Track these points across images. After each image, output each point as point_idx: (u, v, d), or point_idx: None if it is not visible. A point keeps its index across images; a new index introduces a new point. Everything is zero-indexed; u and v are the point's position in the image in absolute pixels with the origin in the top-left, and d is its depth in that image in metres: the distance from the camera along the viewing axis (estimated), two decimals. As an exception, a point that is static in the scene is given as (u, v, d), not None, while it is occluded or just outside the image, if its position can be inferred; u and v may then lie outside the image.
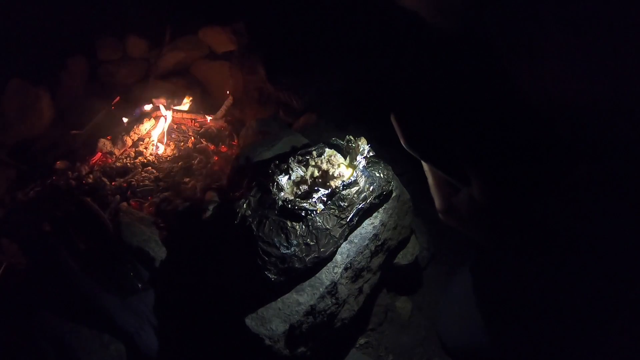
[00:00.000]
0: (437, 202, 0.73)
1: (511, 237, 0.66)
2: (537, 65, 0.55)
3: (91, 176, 1.67)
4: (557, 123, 0.56)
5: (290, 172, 1.06)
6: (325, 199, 0.99)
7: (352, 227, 1.05)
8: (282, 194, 1.01)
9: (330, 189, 1.01)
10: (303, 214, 0.96)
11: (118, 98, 2.03)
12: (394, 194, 1.14)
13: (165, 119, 1.91)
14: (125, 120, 1.87)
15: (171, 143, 1.84)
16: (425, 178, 0.85)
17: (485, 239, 0.71)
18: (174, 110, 1.95)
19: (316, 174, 1.06)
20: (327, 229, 0.97)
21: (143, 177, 1.65)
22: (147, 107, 1.92)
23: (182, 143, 1.84)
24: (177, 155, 1.77)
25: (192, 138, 1.86)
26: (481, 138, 0.62)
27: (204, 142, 1.83)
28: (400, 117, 0.65)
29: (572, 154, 0.57)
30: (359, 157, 1.08)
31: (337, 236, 0.99)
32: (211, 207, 1.18)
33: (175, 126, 1.93)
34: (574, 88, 0.54)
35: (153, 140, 1.84)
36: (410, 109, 0.67)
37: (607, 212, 0.59)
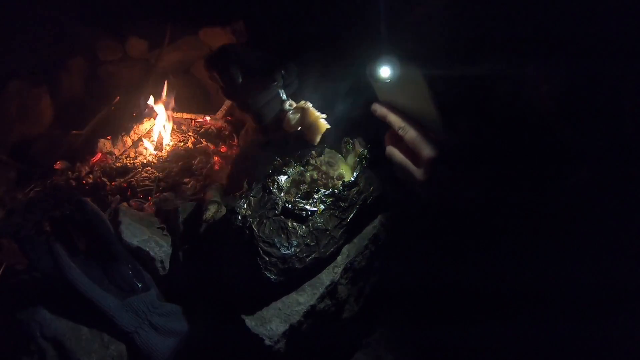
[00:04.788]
0: (430, 150, 0.69)
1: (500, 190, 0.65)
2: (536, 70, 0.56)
3: (91, 176, 1.67)
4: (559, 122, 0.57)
5: (290, 172, 1.07)
6: (325, 199, 0.99)
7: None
8: (282, 194, 1.01)
9: (330, 190, 1.01)
10: (304, 215, 0.96)
11: (118, 98, 2.03)
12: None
13: (166, 118, 1.91)
14: (139, 118, 1.87)
15: (171, 143, 1.84)
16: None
17: (474, 190, 0.69)
18: (173, 111, 1.95)
19: (316, 174, 1.06)
20: (327, 229, 0.97)
21: (143, 177, 1.65)
22: (148, 107, 1.92)
23: (182, 143, 1.84)
24: (177, 155, 1.77)
25: (192, 138, 1.86)
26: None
27: (204, 142, 1.83)
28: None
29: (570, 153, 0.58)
30: (358, 158, 1.08)
31: (338, 237, 0.99)
32: (211, 207, 1.18)
33: (175, 126, 1.93)
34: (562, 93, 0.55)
35: (152, 140, 1.84)
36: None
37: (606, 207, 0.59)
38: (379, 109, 0.78)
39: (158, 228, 1.25)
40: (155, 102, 1.89)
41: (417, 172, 0.74)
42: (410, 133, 0.74)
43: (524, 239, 0.71)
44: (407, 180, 0.79)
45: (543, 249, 0.72)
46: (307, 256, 0.95)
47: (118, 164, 1.73)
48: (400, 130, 0.75)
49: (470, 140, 0.64)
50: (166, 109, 1.89)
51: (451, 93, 0.68)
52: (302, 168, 1.07)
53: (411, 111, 0.76)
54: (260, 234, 0.94)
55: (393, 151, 0.79)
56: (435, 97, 0.69)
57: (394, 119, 0.76)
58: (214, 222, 1.14)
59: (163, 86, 1.93)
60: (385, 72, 0.76)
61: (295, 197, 1.01)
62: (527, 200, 0.66)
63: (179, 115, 1.97)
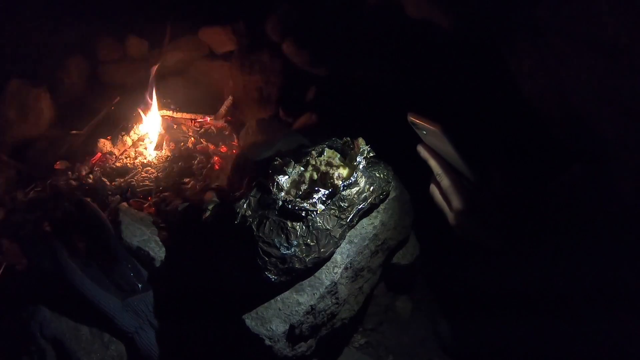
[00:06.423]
0: (459, 202, 0.74)
1: (528, 231, 0.68)
2: (538, 61, 0.56)
3: (91, 176, 1.67)
4: (555, 120, 0.57)
5: (290, 172, 1.07)
6: (325, 199, 0.99)
7: (353, 227, 1.05)
8: (282, 194, 1.01)
9: (330, 190, 1.01)
10: (303, 215, 0.96)
11: (118, 98, 2.03)
12: (394, 194, 1.14)
13: (164, 119, 1.91)
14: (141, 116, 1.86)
15: (171, 143, 1.84)
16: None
17: (503, 237, 0.73)
18: (173, 111, 1.95)
19: (316, 174, 1.06)
20: (327, 229, 0.97)
21: (143, 177, 1.65)
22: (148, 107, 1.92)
23: (182, 143, 1.84)
24: (177, 155, 1.77)
25: (192, 138, 1.86)
26: (496, 132, 0.64)
27: (204, 142, 1.83)
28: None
29: (565, 153, 0.58)
30: (358, 158, 1.08)
31: (338, 236, 0.99)
32: (211, 207, 1.18)
33: (175, 126, 1.93)
34: (573, 87, 0.55)
35: (150, 140, 1.84)
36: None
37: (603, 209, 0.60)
38: (422, 152, 0.85)
39: (158, 228, 1.25)
40: (150, 102, 1.88)
41: (450, 216, 0.80)
42: (444, 182, 0.80)
43: (525, 238, 0.72)
44: (444, 216, 0.86)
45: (543, 248, 0.72)
46: (307, 256, 0.95)
47: (118, 164, 1.73)
48: (437, 177, 0.81)
49: (502, 191, 0.67)
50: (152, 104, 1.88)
51: (480, 144, 0.70)
52: (302, 168, 1.07)
53: (448, 158, 0.81)
54: (260, 234, 0.94)
55: (434, 191, 0.85)
56: (462, 149, 0.72)
57: (433, 165, 0.84)
58: (214, 222, 1.14)
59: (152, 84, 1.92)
60: (416, 124, 0.80)
61: (295, 197, 1.01)
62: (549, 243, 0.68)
63: (178, 115, 1.97)
